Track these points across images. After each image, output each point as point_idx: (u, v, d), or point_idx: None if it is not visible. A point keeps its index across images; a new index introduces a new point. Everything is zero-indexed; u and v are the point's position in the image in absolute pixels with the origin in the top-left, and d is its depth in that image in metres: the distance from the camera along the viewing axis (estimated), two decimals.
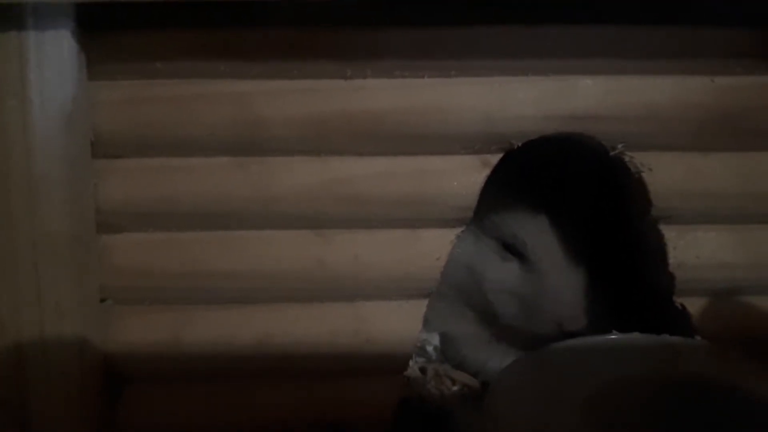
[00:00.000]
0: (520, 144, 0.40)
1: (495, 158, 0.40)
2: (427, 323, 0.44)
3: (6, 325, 0.37)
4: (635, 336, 0.42)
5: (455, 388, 0.46)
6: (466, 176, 0.40)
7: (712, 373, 0.37)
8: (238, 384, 0.41)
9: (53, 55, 0.37)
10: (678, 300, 0.42)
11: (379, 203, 0.40)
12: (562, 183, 0.46)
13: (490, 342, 0.48)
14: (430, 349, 0.49)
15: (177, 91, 0.39)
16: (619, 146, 0.40)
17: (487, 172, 0.40)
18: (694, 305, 0.42)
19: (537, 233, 0.45)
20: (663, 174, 0.40)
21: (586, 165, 0.45)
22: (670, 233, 0.41)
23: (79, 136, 0.38)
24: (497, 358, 0.45)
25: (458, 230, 0.41)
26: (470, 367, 0.47)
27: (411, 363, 0.43)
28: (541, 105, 0.40)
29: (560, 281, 0.44)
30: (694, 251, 0.41)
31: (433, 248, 0.41)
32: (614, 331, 0.42)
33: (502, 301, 0.45)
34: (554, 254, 0.45)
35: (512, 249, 0.46)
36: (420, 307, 0.41)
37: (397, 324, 0.41)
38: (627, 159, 0.41)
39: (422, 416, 0.42)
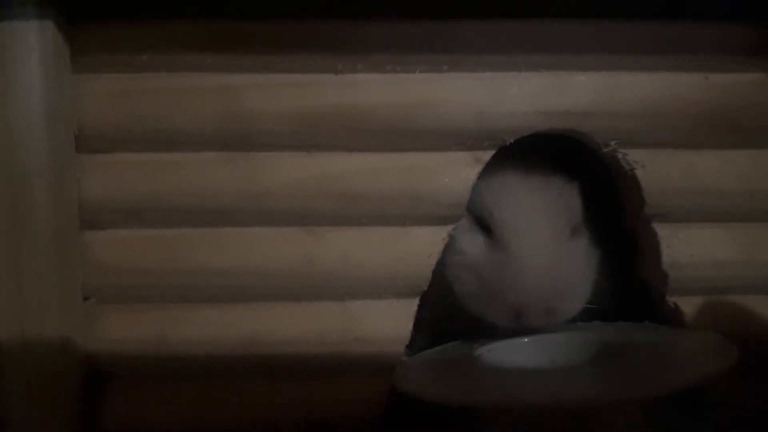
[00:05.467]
0: (512, 140, 0.40)
1: (487, 154, 0.40)
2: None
3: None
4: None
5: None
6: (457, 172, 0.39)
7: None
8: (225, 383, 0.40)
9: (37, 46, 0.36)
10: (671, 299, 0.41)
11: (370, 200, 0.39)
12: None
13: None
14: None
15: (163, 84, 0.39)
16: (613, 143, 0.40)
17: (479, 168, 0.40)
18: (687, 304, 0.41)
19: (513, 213, 0.41)
20: (656, 171, 0.40)
21: (579, 162, 0.44)
22: (663, 231, 0.41)
23: (62, 129, 0.38)
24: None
25: (450, 227, 0.40)
26: None
27: None
28: (534, 101, 0.39)
29: (526, 267, 0.40)
30: (687, 249, 0.41)
31: (424, 246, 0.40)
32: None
33: (461, 279, 0.42)
34: (526, 238, 0.40)
35: (483, 223, 0.42)
36: (410, 305, 0.41)
37: (387, 323, 0.40)
38: (620, 156, 0.40)
39: (412, 414, 0.41)
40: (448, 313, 0.43)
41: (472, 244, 0.42)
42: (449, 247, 0.41)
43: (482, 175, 0.40)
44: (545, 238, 0.41)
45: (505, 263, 0.40)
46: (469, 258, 0.42)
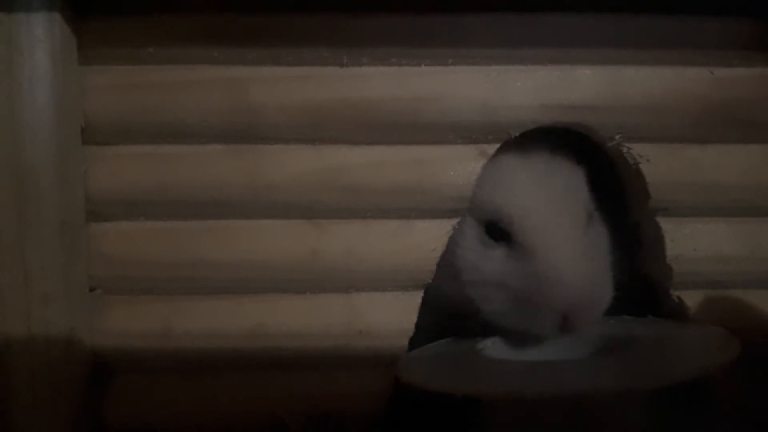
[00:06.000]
0: (517, 134, 0.40)
1: (492, 148, 0.40)
2: None
3: None
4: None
5: None
6: (462, 166, 0.40)
7: None
8: (229, 375, 0.40)
9: (43, 38, 0.36)
10: (675, 293, 0.42)
11: (374, 193, 0.39)
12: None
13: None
14: None
15: (170, 77, 0.39)
16: (617, 137, 0.40)
17: (483, 161, 0.40)
18: (691, 298, 0.41)
19: (535, 216, 0.38)
20: (661, 165, 0.40)
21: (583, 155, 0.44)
22: (667, 225, 0.41)
23: (69, 121, 0.38)
24: None
25: (454, 221, 0.40)
26: None
27: None
28: (539, 95, 0.39)
29: (562, 270, 0.37)
30: (691, 244, 0.41)
31: (429, 239, 0.40)
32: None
33: (485, 296, 0.39)
34: (554, 239, 0.37)
35: (496, 231, 0.39)
36: (415, 298, 0.41)
37: (391, 315, 0.40)
38: (625, 150, 0.40)
39: (415, 407, 0.41)
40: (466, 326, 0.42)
41: (489, 258, 0.39)
42: (457, 264, 0.40)
43: (491, 180, 0.39)
44: (572, 235, 0.38)
45: (535, 271, 0.37)
46: (489, 275, 0.39)
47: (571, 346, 0.40)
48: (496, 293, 0.39)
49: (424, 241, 0.40)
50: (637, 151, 0.40)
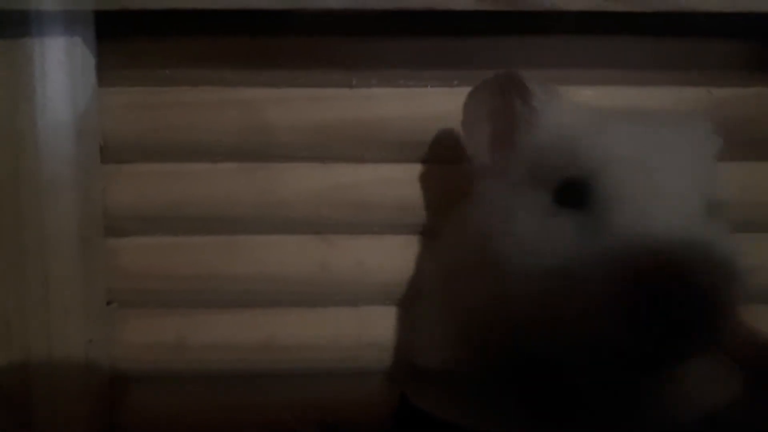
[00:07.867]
0: None
1: None
2: None
3: (12, 326, 0.38)
4: None
5: None
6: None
7: None
8: (241, 386, 0.41)
9: (65, 61, 0.38)
10: None
11: (383, 209, 0.41)
12: None
13: None
14: None
15: (185, 97, 0.40)
16: None
17: None
18: None
19: (618, 160, 0.28)
20: None
21: None
22: None
23: (88, 140, 0.39)
24: None
25: None
26: None
27: None
28: None
29: (651, 212, 0.26)
30: None
31: None
32: None
33: (544, 286, 0.28)
34: (642, 187, 0.27)
35: (569, 194, 0.28)
36: None
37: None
38: None
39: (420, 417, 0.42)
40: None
41: (556, 230, 0.28)
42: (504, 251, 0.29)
43: (573, 131, 0.30)
44: (676, 202, 0.27)
45: (613, 230, 0.26)
46: (554, 251, 0.28)
47: None
48: (559, 278, 0.27)
49: None
50: None
